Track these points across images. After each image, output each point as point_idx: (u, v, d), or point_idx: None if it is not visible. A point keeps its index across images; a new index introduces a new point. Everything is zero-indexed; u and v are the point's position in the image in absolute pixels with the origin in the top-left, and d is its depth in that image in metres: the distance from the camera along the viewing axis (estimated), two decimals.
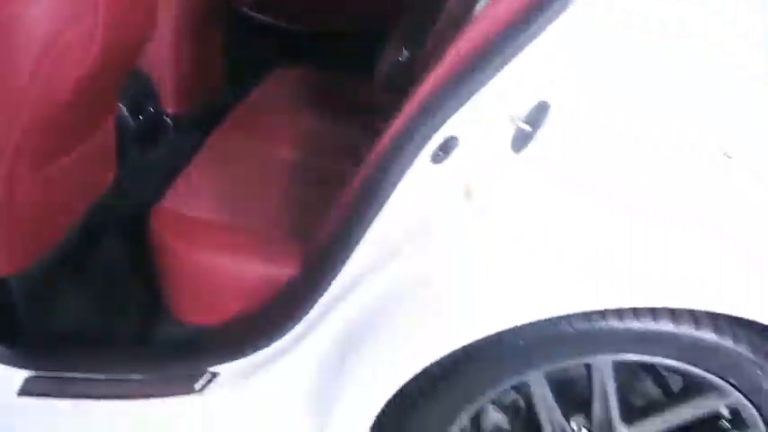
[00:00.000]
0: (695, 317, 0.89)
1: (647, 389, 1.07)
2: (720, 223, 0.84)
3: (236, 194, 1.29)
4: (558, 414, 1.01)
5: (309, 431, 1.05)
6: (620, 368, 0.97)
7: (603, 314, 0.88)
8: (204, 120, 1.60)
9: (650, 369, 1.06)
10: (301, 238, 1.14)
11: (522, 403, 1.12)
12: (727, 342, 0.90)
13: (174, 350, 1.19)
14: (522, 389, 1.08)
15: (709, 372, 0.93)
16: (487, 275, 0.87)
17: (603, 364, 0.94)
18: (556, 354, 0.94)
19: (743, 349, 0.90)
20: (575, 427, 1.04)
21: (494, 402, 1.12)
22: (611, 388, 0.97)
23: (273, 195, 1.30)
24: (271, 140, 1.50)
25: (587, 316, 0.89)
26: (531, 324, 0.87)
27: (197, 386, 1.09)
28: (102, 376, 1.15)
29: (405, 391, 0.98)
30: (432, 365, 0.94)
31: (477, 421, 1.11)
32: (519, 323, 0.85)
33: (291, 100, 1.70)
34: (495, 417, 1.13)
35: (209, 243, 1.19)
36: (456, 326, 0.89)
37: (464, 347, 0.90)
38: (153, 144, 1.60)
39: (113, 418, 1.14)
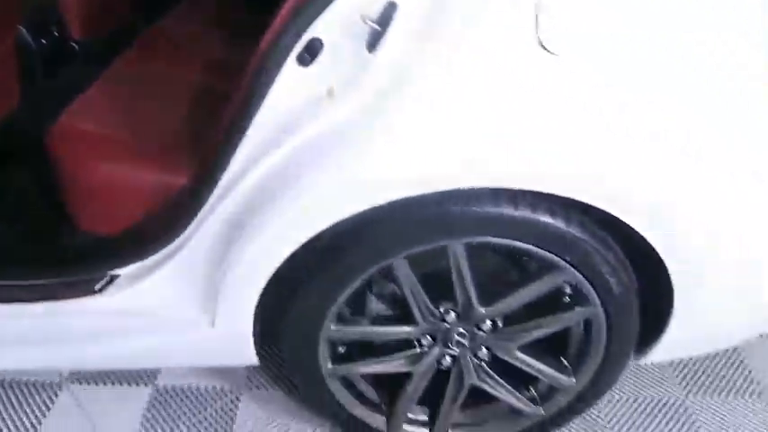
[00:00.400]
0: (532, 201, 1.01)
1: (504, 273, 1.20)
2: (554, 109, 0.94)
3: (134, 111, 1.34)
4: (425, 298, 1.13)
5: (201, 321, 1.14)
6: (475, 253, 1.09)
7: (451, 198, 0.99)
8: (112, 46, 1.61)
9: (508, 255, 1.18)
10: (195, 150, 1.21)
11: (399, 294, 1.24)
12: (561, 224, 1.02)
13: (77, 257, 1.25)
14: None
15: (549, 251, 1.05)
16: (352, 161, 0.96)
17: (457, 248, 1.06)
18: (412, 238, 1.04)
19: (575, 230, 1.03)
20: (442, 310, 1.16)
21: (375, 294, 1.24)
22: (467, 271, 1.09)
23: (171, 112, 1.35)
24: (176, 63, 1.54)
25: (438, 201, 1.00)
26: (389, 209, 0.98)
27: (97, 287, 1.17)
28: (11, 282, 1.21)
29: (282, 279, 1.08)
30: (304, 252, 1.04)
31: (361, 310, 1.23)
32: (376, 204, 0.95)
33: (203, 27, 1.73)
34: (376, 306, 1.24)
35: (105, 155, 1.24)
36: (322, 208, 0.98)
37: (330, 234, 1.01)
38: (57, 69, 1.61)
39: (22, 319, 1.20)
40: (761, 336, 1.74)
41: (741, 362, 1.63)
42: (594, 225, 1.05)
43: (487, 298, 1.14)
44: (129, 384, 1.52)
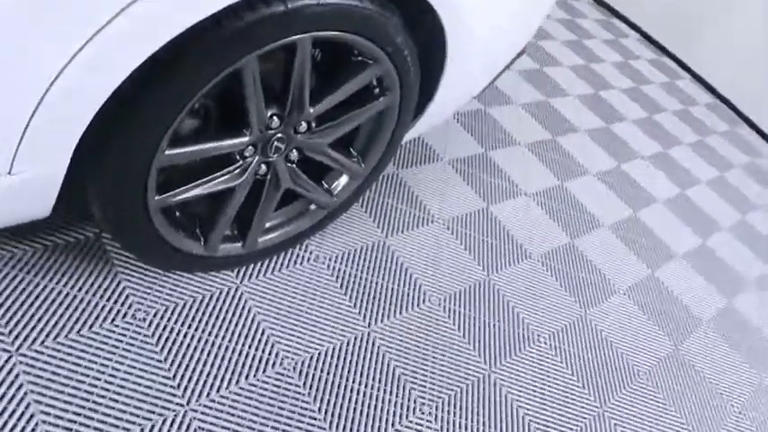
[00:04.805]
0: None
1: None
2: None
3: None
4: (262, 104, 1.07)
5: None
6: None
7: None
8: None
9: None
10: None
11: (211, 106, 1.13)
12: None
13: None
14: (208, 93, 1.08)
15: (371, 41, 1.11)
16: None
17: (305, 44, 1.02)
18: (263, 37, 0.95)
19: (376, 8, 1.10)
20: (268, 114, 1.12)
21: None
22: (308, 69, 1.07)
23: None
24: None
25: None
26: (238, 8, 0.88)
27: None
28: None
29: (110, 107, 0.87)
30: (146, 71, 0.85)
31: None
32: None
33: None
34: (189, 123, 1.11)
35: None
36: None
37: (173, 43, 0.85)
38: None
39: None
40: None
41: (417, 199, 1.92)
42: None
43: (313, 96, 1.15)
44: None
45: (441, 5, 1.14)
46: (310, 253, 1.52)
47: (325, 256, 1.53)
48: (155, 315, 1.24)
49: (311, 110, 1.16)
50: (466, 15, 1.22)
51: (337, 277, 1.50)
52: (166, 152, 1.00)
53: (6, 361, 1.07)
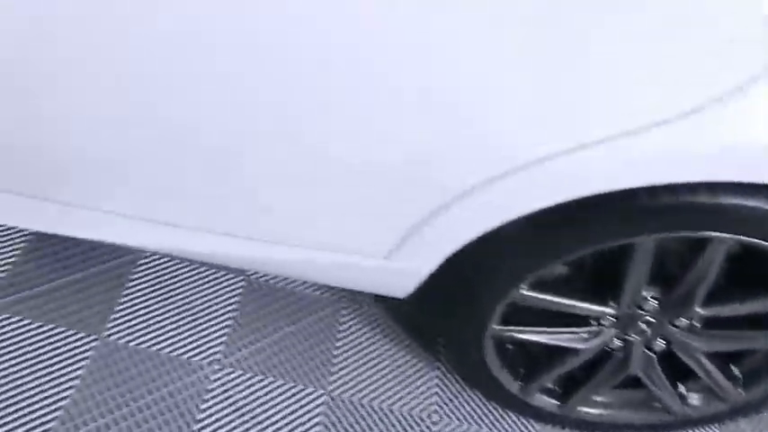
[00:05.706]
0: None
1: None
2: None
3: None
4: (642, 284, 0.95)
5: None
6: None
7: (728, 189, 0.80)
8: None
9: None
10: None
11: (588, 260, 1.06)
12: None
13: None
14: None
15: None
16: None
17: (721, 243, 0.86)
18: (675, 224, 0.84)
19: None
20: (646, 295, 0.99)
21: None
22: (714, 269, 0.91)
23: None
24: None
25: (712, 190, 0.80)
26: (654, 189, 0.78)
27: None
28: None
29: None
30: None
31: None
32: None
33: None
34: (559, 268, 1.06)
35: None
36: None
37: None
38: None
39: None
40: None
41: None
42: None
43: (708, 297, 0.97)
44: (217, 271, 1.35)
45: None
46: None
47: None
48: (446, 425, 1.22)
49: (699, 310, 0.98)
50: None
51: None
52: (523, 292, 0.97)
53: (319, 396, 1.20)
